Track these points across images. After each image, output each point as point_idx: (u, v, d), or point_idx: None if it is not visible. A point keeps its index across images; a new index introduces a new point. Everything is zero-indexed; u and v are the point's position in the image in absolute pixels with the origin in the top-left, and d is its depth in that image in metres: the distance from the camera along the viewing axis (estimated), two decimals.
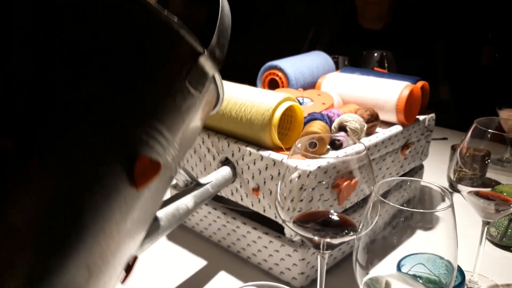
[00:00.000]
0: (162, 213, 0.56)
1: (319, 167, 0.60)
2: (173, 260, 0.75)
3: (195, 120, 0.45)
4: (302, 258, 0.66)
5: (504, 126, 0.71)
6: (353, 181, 0.63)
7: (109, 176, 0.35)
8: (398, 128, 0.79)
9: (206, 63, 0.42)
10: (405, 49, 1.55)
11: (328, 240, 0.52)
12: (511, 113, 1.11)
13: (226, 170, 0.69)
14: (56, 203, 0.31)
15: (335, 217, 0.58)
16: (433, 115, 0.89)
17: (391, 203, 0.43)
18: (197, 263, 0.74)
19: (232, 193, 0.73)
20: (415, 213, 0.44)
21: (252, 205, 0.70)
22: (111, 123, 0.35)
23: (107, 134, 0.35)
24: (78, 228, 0.32)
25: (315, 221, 0.57)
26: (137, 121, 0.37)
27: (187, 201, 0.60)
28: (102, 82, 0.34)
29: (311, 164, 0.60)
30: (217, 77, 0.46)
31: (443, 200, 0.46)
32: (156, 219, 0.54)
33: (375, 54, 1.22)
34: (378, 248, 0.48)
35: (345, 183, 0.62)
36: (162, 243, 0.79)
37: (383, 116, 0.80)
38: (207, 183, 0.64)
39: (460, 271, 0.58)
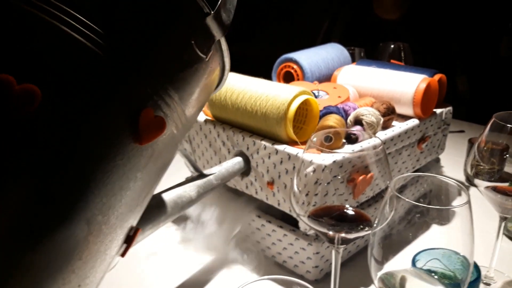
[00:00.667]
0: (164, 198, 0.55)
1: (334, 161, 0.60)
2: (187, 249, 0.75)
3: (200, 87, 0.45)
4: (316, 251, 0.66)
5: None
6: (369, 175, 0.62)
7: (112, 129, 0.35)
8: (414, 122, 0.78)
9: (212, 25, 0.43)
10: (422, 40, 1.52)
11: (343, 235, 0.53)
12: None
13: (231, 163, 0.69)
14: (55, 150, 0.31)
15: (350, 211, 0.58)
16: (450, 108, 0.87)
17: (407, 199, 0.43)
18: (212, 254, 0.74)
19: (247, 187, 0.73)
20: (431, 209, 0.44)
21: (267, 198, 0.70)
22: (117, 75, 0.35)
23: (113, 85, 0.35)
24: (77, 178, 0.33)
25: (330, 216, 0.57)
26: (142, 75, 0.37)
27: (190, 190, 0.59)
28: (112, 35, 0.35)
29: (326, 159, 0.60)
30: (223, 43, 0.47)
31: (460, 195, 0.45)
32: (157, 205, 0.53)
33: (392, 46, 1.20)
34: (393, 243, 0.48)
35: (361, 177, 0.62)
36: (180, 233, 0.80)
37: (399, 110, 0.79)
38: (210, 174, 0.64)
39: (476, 267, 0.57)
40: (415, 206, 0.44)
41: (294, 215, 0.67)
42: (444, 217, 0.45)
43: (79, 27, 0.34)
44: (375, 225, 0.46)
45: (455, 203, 0.44)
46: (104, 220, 0.35)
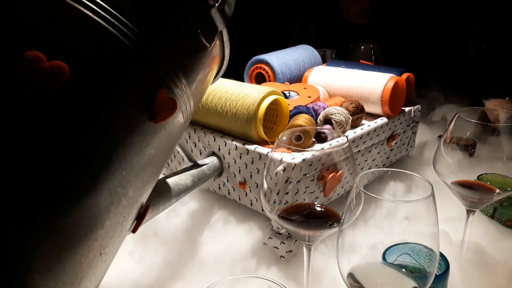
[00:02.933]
0: (164, 183, 0.57)
1: (304, 159, 0.61)
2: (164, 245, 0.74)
3: (203, 74, 0.49)
4: (289, 250, 0.67)
5: (490, 116, 0.72)
6: (338, 173, 0.63)
7: (131, 107, 0.38)
8: (383, 120, 0.79)
9: (216, 16, 0.47)
10: (393, 41, 1.55)
11: (312, 232, 0.53)
12: (497, 103, 1.12)
13: (216, 158, 0.71)
14: (82, 124, 0.34)
15: (319, 209, 0.58)
16: (418, 106, 0.89)
17: (372, 194, 0.44)
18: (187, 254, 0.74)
19: (219, 187, 0.73)
20: (398, 203, 0.44)
21: (240, 198, 0.70)
22: (139, 60, 0.38)
23: (133, 69, 0.38)
24: (101, 150, 0.35)
25: (301, 214, 0.57)
26: (159, 60, 0.40)
27: (186, 178, 0.61)
28: (138, 27, 0.38)
29: (296, 157, 0.60)
30: (225, 34, 0.51)
31: (425, 189, 0.46)
32: (158, 190, 0.55)
33: (362, 47, 1.22)
34: (362, 239, 0.48)
35: (331, 175, 0.63)
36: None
37: (368, 108, 0.81)
38: (204, 165, 0.67)
39: (445, 260, 0.58)
40: (381, 201, 0.45)
41: (266, 214, 0.68)
42: (410, 211, 0.45)
43: (113, 20, 0.36)
44: (342, 221, 0.47)
45: (419, 196, 0.45)
46: (124, 192, 0.38)
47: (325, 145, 0.67)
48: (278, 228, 0.67)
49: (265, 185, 0.57)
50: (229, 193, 0.72)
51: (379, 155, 0.81)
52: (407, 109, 0.86)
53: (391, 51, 1.37)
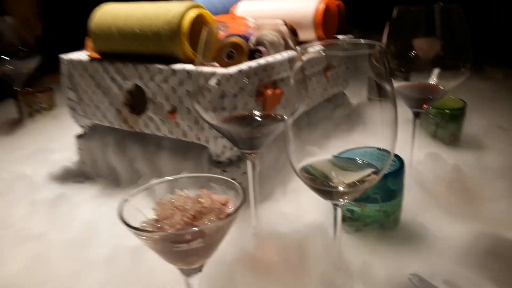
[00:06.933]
0: None
1: (240, 71, 0.54)
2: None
3: None
4: (232, 178, 0.60)
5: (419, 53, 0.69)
6: (278, 90, 0.57)
7: None
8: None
9: None
10: None
11: (256, 131, 0.47)
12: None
13: None
14: None
15: (262, 115, 0.52)
16: (351, 36, 0.86)
17: (321, 52, 0.38)
18: None
19: (147, 125, 0.65)
20: (345, 63, 0.39)
21: (170, 132, 0.62)
22: None
23: None
24: None
25: (242, 118, 0.51)
26: None
27: None
28: None
29: (230, 69, 0.54)
30: None
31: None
32: None
33: None
34: (311, 133, 0.43)
35: (269, 91, 0.57)
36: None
37: (301, 35, 0.76)
38: None
39: (399, 158, 0.55)
40: (328, 60, 0.39)
41: (203, 142, 0.60)
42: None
43: None
44: (293, 113, 0.40)
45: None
46: None
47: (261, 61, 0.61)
48: (217, 155, 0.60)
49: (199, 105, 0.49)
50: (158, 128, 0.64)
51: (318, 85, 0.77)
52: (340, 37, 0.82)
53: None
